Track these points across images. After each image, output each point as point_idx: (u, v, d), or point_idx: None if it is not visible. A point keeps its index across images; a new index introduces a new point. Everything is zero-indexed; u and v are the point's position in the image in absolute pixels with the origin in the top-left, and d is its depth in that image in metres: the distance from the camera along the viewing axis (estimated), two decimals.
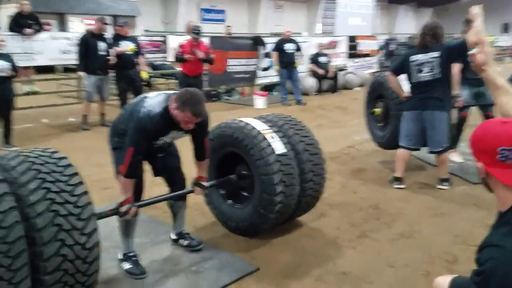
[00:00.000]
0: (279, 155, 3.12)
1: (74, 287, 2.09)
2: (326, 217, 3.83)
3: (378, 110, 5.25)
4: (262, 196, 3.12)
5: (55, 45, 7.48)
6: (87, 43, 6.71)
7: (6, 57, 5.79)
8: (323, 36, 14.43)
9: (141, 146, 2.62)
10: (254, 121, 3.34)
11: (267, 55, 10.42)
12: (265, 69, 10.65)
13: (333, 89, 11.50)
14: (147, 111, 2.58)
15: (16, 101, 6.19)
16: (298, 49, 9.45)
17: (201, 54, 7.13)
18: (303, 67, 10.79)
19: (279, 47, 9.26)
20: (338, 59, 13.11)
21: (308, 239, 3.44)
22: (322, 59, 11.22)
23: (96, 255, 2.12)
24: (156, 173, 3.11)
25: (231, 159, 3.42)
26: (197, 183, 3.05)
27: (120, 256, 2.97)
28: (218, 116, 5.61)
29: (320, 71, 11.06)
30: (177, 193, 3.06)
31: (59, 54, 7.55)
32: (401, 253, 3.16)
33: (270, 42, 10.26)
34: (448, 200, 4.16)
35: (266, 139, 3.14)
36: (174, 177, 3.09)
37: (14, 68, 5.77)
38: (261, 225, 3.23)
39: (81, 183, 2.16)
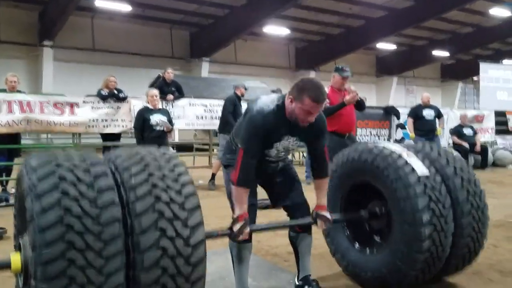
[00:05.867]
0: (421, 176, 2.49)
1: None
2: (497, 284, 2.98)
3: None
4: (404, 229, 2.46)
5: (192, 111, 7.91)
6: (235, 105, 6.88)
7: (164, 112, 6.27)
8: (465, 110, 13.29)
9: (253, 146, 2.30)
10: (385, 143, 2.89)
11: (401, 126, 9.69)
12: (399, 141, 9.88)
13: (483, 165, 10.07)
14: (260, 108, 2.32)
15: None
16: (439, 115, 8.59)
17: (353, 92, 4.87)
18: (443, 140, 9.75)
19: (416, 114, 8.51)
20: (486, 134, 11.69)
21: None
22: (466, 131, 10.06)
23: (201, 255, 1.72)
24: (276, 201, 2.68)
25: (360, 197, 2.87)
26: (318, 214, 2.52)
27: None
28: None
29: (465, 144, 9.86)
30: (296, 221, 2.58)
31: (196, 120, 7.95)
32: None
33: (403, 113, 9.61)
34: None
35: (402, 157, 2.57)
36: (296, 204, 2.62)
37: (171, 122, 6.13)
38: (406, 271, 2.50)
39: (186, 173, 1.87)
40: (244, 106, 7.09)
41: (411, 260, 2.45)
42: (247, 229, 2.31)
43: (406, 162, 2.54)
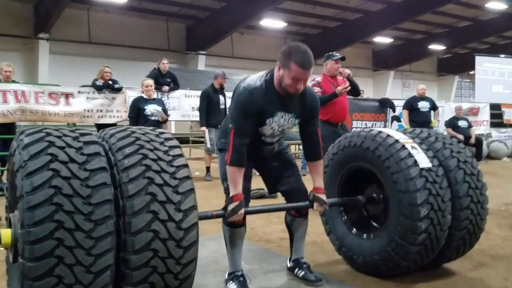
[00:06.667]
0: (423, 169, 2.45)
1: (165, 276, 1.68)
2: (487, 268, 3.01)
3: None
4: (400, 221, 2.45)
5: (188, 102, 7.91)
6: (209, 98, 6.84)
7: (159, 102, 6.26)
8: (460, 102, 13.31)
9: (243, 125, 2.28)
10: (390, 130, 2.77)
11: (396, 118, 9.72)
12: None
13: (477, 157, 10.11)
14: (247, 85, 2.31)
15: None
16: (434, 107, 8.63)
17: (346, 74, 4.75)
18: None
19: (411, 106, 8.55)
20: (481, 127, 11.74)
21: (466, 287, 2.61)
22: (461, 124, 10.09)
23: (193, 239, 1.72)
24: (273, 186, 2.66)
25: (359, 180, 2.86)
26: (315, 196, 2.51)
27: (226, 275, 2.52)
28: None
29: (460, 136, 9.89)
30: (292, 205, 2.57)
31: (191, 111, 7.94)
32: None
33: (399, 106, 9.63)
34: None
35: (405, 148, 2.52)
36: (294, 188, 2.61)
37: (166, 112, 6.12)
38: (398, 261, 2.51)
39: (181, 155, 1.85)
40: (228, 95, 7.05)
41: (405, 251, 2.46)
42: (242, 210, 2.31)
43: (409, 154, 2.49)
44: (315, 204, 2.52)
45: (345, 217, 2.94)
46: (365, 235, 2.79)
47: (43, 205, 1.52)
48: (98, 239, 1.56)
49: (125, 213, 1.64)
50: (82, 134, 1.78)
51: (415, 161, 2.47)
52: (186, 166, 1.82)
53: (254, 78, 2.36)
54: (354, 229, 2.86)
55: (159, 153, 1.79)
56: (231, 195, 2.32)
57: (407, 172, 2.43)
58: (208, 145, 6.85)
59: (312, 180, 2.59)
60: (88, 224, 1.55)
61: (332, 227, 2.97)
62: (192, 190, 1.78)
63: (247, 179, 2.51)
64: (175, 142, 1.90)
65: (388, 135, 2.63)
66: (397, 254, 2.49)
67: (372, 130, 2.76)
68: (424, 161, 2.50)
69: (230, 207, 2.29)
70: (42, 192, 1.53)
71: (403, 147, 2.53)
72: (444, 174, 2.53)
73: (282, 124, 2.43)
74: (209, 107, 6.81)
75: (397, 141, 2.57)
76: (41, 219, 1.50)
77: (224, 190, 2.51)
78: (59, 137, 1.71)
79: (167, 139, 1.90)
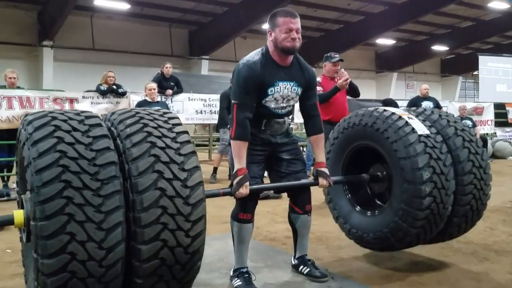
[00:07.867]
0: (421, 135, 2.52)
1: (175, 233, 1.71)
2: (492, 262, 3.03)
3: None
4: (404, 188, 2.48)
5: (192, 105, 7.95)
6: (229, 99, 6.83)
7: (162, 104, 6.35)
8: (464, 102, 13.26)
9: (245, 99, 2.36)
10: (385, 107, 2.84)
11: None
12: None
13: None
14: (246, 61, 2.40)
15: None
16: (438, 107, 8.61)
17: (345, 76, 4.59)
18: None
19: (415, 105, 8.54)
20: (486, 127, 11.71)
21: (470, 281, 2.64)
22: (465, 123, 10.06)
23: (200, 196, 1.77)
24: (280, 179, 2.64)
25: (362, 162, 2.92)
26: (318, 171, 2.54)
27: (231, 272, 2.54)
28: None
29: None
30: (298, 182, 2.57)
31: (195, 114, 7.98)
32: None
33: (402, 106, 9.63)
34: None
35: (402, 118, 2.60)
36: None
37: None
38: (407, 229, 2.51)
39: (180, 124, 1.94)
40: None
41: (412, 217, 2.47)
42: (247, 182, 2.33)
43: (406, 123, 2.56)
44: (320, 179, 2.54)
45: (352, 198, 2.98)
46: (370, 212, 2.84)
47: (50, 167, 1.57)
48: (106, 197, 1.60)
49: (131, 175, 1.69)
50: (83, 111, 1.88)
51: (413, 129, 2.54)
52: (186, 132, 1.88)
53: (252, 54, 2.46)
54: (362, 209, 2.90)
55: (159, 122, 1.87)
56: (235, 169, 2.35)
57: (406, 139, 2.49)
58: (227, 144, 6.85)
59: (315, 155, 2.62)
60: (95, 183, 1.60)
61: (339, 211, 3.01)
62: (194, 153, 1.84)
63: (260, 169, 2.55)
64: (173, 114, 1.98)
65: (384, 110, 2.72)
66: (405, 221, 2.50)
67: (368, 108, 2.83)
68: (421, 129, 2.57)
69: (235, 180, 2.32)
70: (48, 156, 1.59)
71: (400, 117, 2.61)
72: (443, 141, 2.60)
73: (286, 95, 2.49)
74: (228, 108, 6.80)
75: (393, 113, 2.66)
76: (49, 179, 1.55)
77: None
78: (61, 113, 1.80)
79: (165, 113, 1.98)
